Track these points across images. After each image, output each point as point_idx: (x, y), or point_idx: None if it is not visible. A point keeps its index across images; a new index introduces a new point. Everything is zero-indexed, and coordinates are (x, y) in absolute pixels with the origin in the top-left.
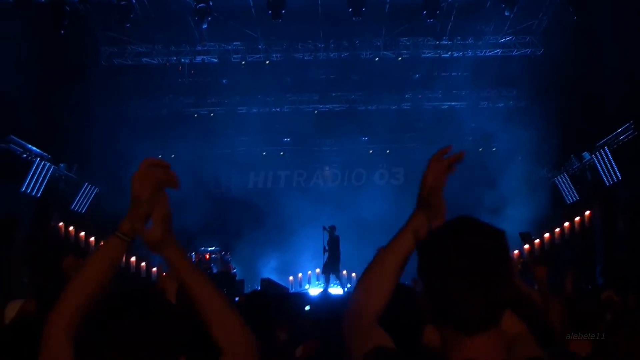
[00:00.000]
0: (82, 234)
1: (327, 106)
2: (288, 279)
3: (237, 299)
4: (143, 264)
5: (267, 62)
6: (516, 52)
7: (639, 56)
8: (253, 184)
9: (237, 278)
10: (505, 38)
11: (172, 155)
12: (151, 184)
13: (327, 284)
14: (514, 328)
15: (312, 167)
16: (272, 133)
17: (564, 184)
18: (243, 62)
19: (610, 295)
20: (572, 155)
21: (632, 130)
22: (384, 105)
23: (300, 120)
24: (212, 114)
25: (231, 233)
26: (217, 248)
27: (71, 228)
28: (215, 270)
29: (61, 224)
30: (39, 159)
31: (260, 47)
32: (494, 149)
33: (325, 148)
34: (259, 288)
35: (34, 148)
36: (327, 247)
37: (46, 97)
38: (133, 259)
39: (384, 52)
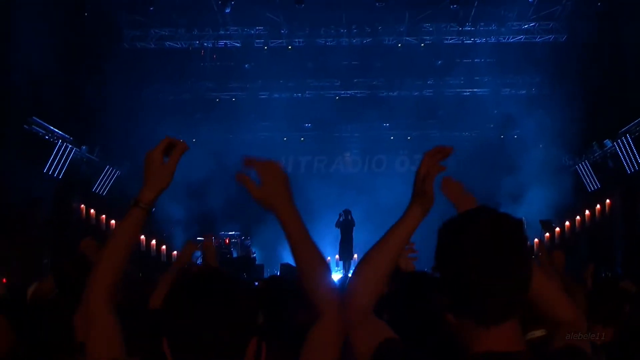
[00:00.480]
0: (103, 216)
1: (349, 92)
2: None
3: (256, 283)
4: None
5: (289, 47)
6: (539, 38)
7: None
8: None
9: (256, 262)
10: (529, 24)
11: (194, 140)
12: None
13: (345, 270)
14: (567, 314)
15: (333, 153)
16: (293, 118)
17: (586, 172)
18: (265, 47)
19: (628, 286)
20: (594, 143)
21: None
22: (406, 91)
23: (322, 106)
24: (233, 99)
25: (252, 217)
26: (237, 232)
27: (92, 211)
28: (235, 255)
29: (82, 206)
30: (61, 140)
31: (282, 32)
32: (516, 136)
33: (346, 134)
34: (278, 273)
35: (57, 130)
36: (340, 231)
37: (69, 80)
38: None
39: (407, 38)
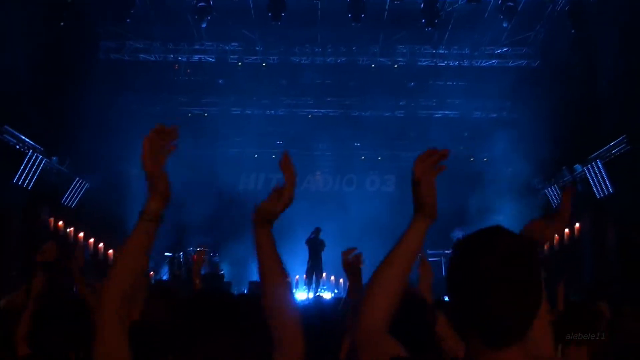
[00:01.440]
0: (71, 229)
1: (322, 111)
2: None
3: None
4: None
5: (264, 64)
6: (512, 63)
7: (635, 71)
8: (244, 185)
9: (224, 280)
10: (502, 49)
11: None
12: (158, 157)
13: (309, 287)
14: (545, 346)
15: (304, 171)
16: (265, 135)
17: (555, 196)
18: (240, 63)
19: (603, 307)
20: (563, 167)
21: (625, 144)
22: (378, 111)
23: (294, 124)
24: (206, 114)
25: (221, 234)
26: (205, 249)
27: (60, 223)
28: (203, 272)
29: (51, 218)
30: (31, 150)
31: (257, 48)
32: (486, 159)
33: (317, 152)
34: (246, 291)
35: (28, 140)
36: (308, 248)
37: (42, 89)
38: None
39: (381, 59)
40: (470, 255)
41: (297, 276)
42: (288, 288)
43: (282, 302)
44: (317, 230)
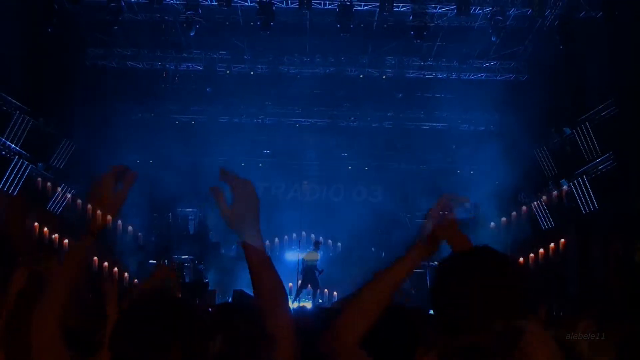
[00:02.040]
0: (56, 235)
1: (309, 120)
2: None
3: (210, 309)
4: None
5: (252, 73)
6: (500, 76)
7: (622, 86)
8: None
9: (209, 288)
10: (490, 63)
11: (150, 161)
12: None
13: (294, 298)
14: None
15: (291, 180)
16: (252, 144)
17: (540, 210)
18: (228, 72)
19: (589, 326)
20: (550, 182)
21: (611, 161)
22: (366, 122)
23: (282, 133)
24: (193, 122)
25: (207, 242)
26: (190, 257)
27: (45, 229)
28: (187, 280)
29: (36, 224)
30: (17, 157)
31: (246, 57)
32: (472, 172)
33: (305, 162)
34: (230, 300)
35: (13, 146)
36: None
37: (28, 95)
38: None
39: (369, 70)
40: (457, 273)
41: (291, 284)
42: (285, 296)
43: (277, 307)
44: (317, 244)
